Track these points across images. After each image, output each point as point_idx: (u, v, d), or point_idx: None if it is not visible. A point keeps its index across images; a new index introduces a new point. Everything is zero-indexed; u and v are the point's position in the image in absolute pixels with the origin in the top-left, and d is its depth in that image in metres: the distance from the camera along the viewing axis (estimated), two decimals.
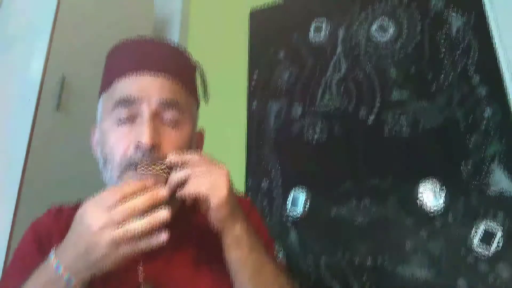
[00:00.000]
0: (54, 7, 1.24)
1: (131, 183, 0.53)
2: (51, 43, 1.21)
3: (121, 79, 0.63)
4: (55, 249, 0.52)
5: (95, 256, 0.49)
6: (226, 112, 1.51)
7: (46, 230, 0.64)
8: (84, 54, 1.32)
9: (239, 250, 0.58)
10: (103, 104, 0.66)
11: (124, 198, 0.50)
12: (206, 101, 0.74)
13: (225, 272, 0.59)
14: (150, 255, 0.62)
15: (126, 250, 0.49)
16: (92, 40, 1.35)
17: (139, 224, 0.49)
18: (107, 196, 0.51)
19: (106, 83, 0.66)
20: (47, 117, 1.16)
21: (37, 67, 1.18)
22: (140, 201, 0.50)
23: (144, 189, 0.52)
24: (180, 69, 0.67)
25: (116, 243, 0.48)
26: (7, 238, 1.00)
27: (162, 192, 0.53)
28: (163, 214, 0.50)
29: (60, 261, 0.50)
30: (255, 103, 1.53)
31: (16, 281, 0.53)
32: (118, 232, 0.48)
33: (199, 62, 0.74)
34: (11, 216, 1.02)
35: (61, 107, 1.20)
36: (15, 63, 1.26)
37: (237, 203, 0.59)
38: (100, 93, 0.68)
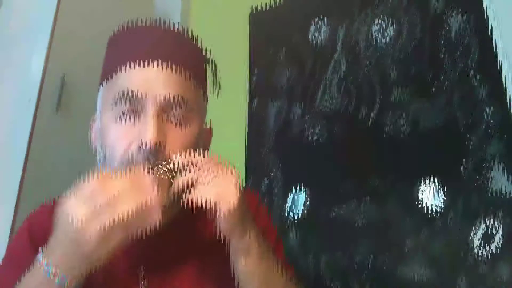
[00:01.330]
0: (54, 7, 1.24)
1: (109, 169, 0.49)
2: (51, 43, 1.21)
3: (124, 69, 0.58)
4: (43, 249, 0.48)
5: (85, 250, 0.44)
6: (226, 112, 1.50)
7: (41, 225, 0.60)
8: (84, 54, 1.32)
9: (247, 261, 0.55)
10: (104, 94, 0.61)
11: (104, 184, 0.45)
12: (217, 93, 0.69)
13: (230, 282, 0.57)
14: (153, 262, 0.60)
15: (118, 238, 0.45)
16: (92, 40, 1.35)
17: (126, 207, 0.44)
18: (85, 185, 0.46)
19: (107, 71, 0.60)
20: (47, 117, 1.17)
21: (37, 67, 1.18)
22: (122, 182, 0.46)
23: (124, 173, 0.47)
24: (189, 59, 0.61)
25: (105, 233, 0.44)
26: (7, 238, 1.00)
27: (143, 171, 0.48)
28: (151, 194, 0.46)
29: (49, 262, 0.46)
30: (255, 103, 1.53)
31: (8, 279, 0.51)
32: (105, 220, 0.43)
33: (209, 50, 0.68)
34: (11, 216, 1.02)
35: (61, 107, 1.21)
36: (15, 63, 1.26)
37: (247, 210, 0.55)
38: (101, 82, 0.62)
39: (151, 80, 0.56)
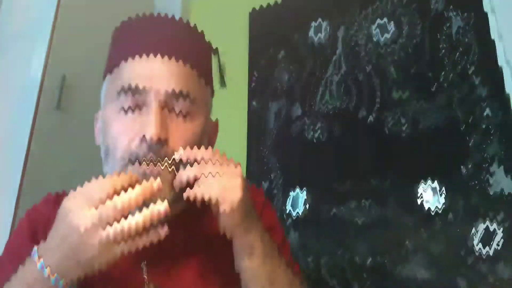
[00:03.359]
0: (54, 7, 1.24)
1: (121, 175, 0.48)
2: (51, 43, 1.21)
3: (127, 62, 0.57)
4: (38, 247, 0.47)
5: (84, 257, 0.44)
6: (226, 112, 1.50)
7: (42, 218, 0.59)
8: (84, 54, 1.32)
9: (251, 259, 0.53)
10: (107, 87, 0.60)
11: (114, 191, 0.44)
12: (223, 85, 0.67)
13: (233, 279, 0.56)
14: (156, 256, 0.58)
15: (121, 249, 0.44)
16: (92, 39, 1.35)
17: (134, 220, 0.43)
18: (94, 189, 0.45)
19: (111, 65, 0.60)
20: (47, 117, 1.17)
21: (37, 67, 1.18)
22: (133, 194, 0.44)
23: (136, 181, 0.47)
24: (194, 52, 0.60)
25: (109, 243, 0.43)
26: (7, 237, 1.00)
27: (157, 183, 0.47)
28: (162, 207, 0.45)
29: (44, 262, 0.45)
30: (255, 103, 1.53)
31: (8, 273, 0.49)
32: (110, 231, 0.42)
33: (213, 45, 0.67)
34: (11, 215, 1.02)
35: (61, 106, 1.21)
36: (15, 63, 1.26)
37: (251, 206, 0.54)
38: (104, 75, 0.61)
39: (154, 73, 0.55)
